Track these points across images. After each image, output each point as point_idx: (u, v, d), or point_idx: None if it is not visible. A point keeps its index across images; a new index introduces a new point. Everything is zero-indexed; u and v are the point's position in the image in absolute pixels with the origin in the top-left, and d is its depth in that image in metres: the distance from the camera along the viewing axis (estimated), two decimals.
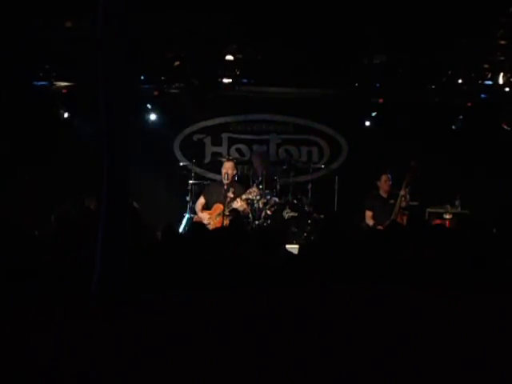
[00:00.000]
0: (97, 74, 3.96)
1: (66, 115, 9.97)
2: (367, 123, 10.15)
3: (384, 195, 8.90)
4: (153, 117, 10.14)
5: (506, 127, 9.79)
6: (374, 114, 10.06)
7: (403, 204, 8.54)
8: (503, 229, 6.54)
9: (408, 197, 8.65)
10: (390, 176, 8.91)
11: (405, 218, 8.40)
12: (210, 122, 10.67)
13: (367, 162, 9.87)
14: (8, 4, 7.48)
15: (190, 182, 9.82)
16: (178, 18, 7.93)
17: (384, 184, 8.89)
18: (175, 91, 9.84)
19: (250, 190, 8.94)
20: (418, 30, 7.89)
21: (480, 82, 9.15)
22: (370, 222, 8.74)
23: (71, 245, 5.02)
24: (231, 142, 10.73)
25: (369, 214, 8.83)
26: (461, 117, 10.06)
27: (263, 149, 10.44)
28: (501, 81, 8.90)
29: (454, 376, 2.84)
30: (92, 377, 2.74)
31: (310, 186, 9.81)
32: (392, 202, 8.68)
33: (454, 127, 10.16)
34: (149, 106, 10.03)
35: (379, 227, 8.22)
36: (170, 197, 10.24)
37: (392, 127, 10.08)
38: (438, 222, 8.64)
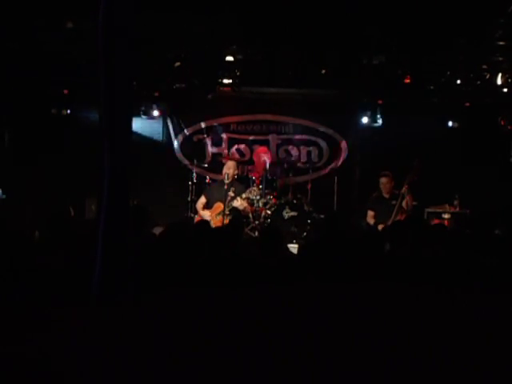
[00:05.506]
0: (97, 74, 3.98)
1: (66, 114, 9.98)
2: (367, 123, 10.15)
3: (386, 196, 8.91)
4: (153, 117, 10.15)
5: (502, 123, 9.81)
6: (373, 114, 10.06)
7: (405, 205, 8.52)
8: (504, 229, 6.55)
9: (411, 197, 8.61)
10: (388, 178, 8.87)
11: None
12: (210, 122, 10.69)
13: (367, 162, 9.87)
14: (8, 4, 7.49)
15: (190, 182, 9.83)
16: (179, 19, 7.93)
17: (384, 186, 8.89)
18: (175, 91, 9.84)
19: (251, 188, 9.01)
20: (418, 30, 7.90)
21: (479, 82, 9.16)
22: (370, 221, 8.77)
23: (71, 245, 5.03)
24: (231, 142, 10.75)
25: (371, 213, 8.85)
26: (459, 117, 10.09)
27: (264, 147, 10.45)
28: (499, 81, 8.91)
29: (454, 375, 2.85)
30: (92, 377, 2.76)
31: (309, 185, 9.82)
32: (394, 202, 8.68)
33: (453, 127, 10.19)
34: (149, 106, 10.04)
35: (379, 226, 8.24)
36: (170, 197, 10.25)
37: (392, 127, 10.10)
38: (436, 221, 8.65)
